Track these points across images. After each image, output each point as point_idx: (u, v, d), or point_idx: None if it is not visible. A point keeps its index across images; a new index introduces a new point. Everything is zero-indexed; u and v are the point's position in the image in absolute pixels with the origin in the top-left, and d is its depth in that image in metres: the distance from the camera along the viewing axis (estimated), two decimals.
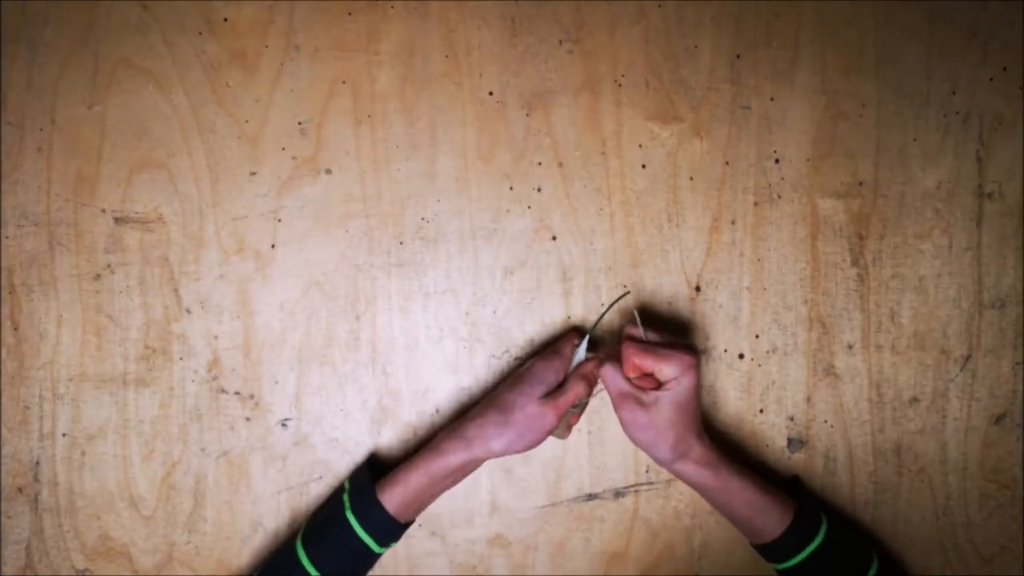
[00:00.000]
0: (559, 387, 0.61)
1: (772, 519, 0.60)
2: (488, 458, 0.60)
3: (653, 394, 0.58)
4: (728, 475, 0.60)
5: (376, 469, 0.64)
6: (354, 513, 0.59)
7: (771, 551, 0.61)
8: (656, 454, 0.59)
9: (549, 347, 0.64)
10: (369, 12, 0.65)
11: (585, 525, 0.68)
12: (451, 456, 0.59)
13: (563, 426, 0.62)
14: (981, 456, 0.69)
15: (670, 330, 0.65)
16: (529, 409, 0.59)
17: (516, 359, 0.67)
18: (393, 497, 0.59)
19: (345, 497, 0.61)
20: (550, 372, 0.61)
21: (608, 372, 0.60)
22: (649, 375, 0.59)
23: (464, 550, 0.68)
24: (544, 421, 0.59)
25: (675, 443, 0.58)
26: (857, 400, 0.68)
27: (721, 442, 0.68)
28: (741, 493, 0.60)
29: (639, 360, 0.58)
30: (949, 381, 0.68)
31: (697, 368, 0.58)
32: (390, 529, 0.60)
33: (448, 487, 0.61)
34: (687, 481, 0.61)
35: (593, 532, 0.68)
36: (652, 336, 0.60)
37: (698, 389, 0.59)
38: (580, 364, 0.62)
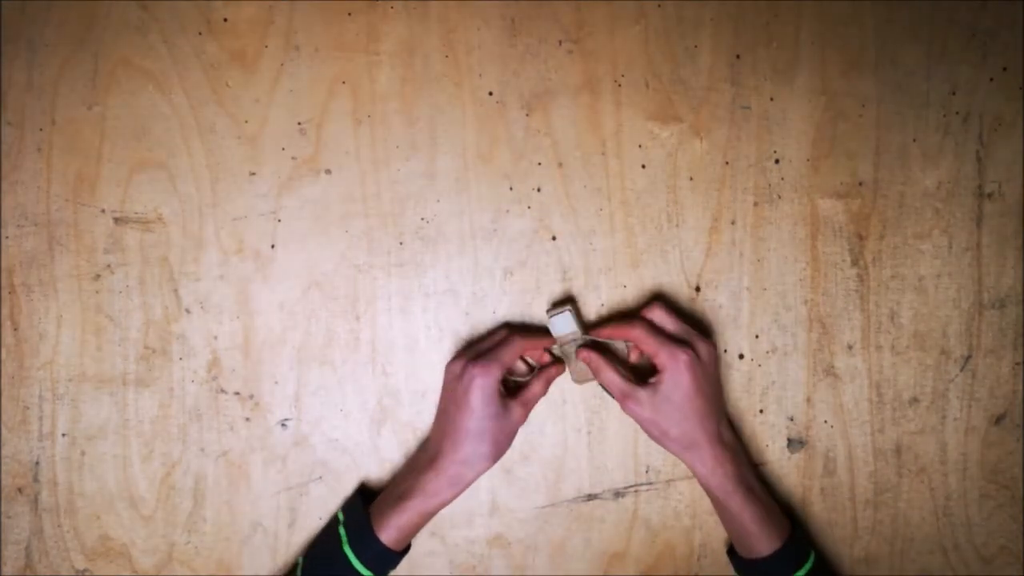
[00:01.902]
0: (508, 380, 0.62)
1: (762, 541, 0.60)
2: (479, 477, 0.60)
3: (648, 391, 0.59)
4: (734, 488, 0.59)
5: (367, 494, 0.64)
6: (352, 548, 0.59)
7: (753, 571, 0.61)
8: (667, 445, 0.60)
9: (472, 348, 0.63)
10: (369, 12, 0.65)
11: (585, 525, 0.68)
12: (444, 495, 0.59)
13: (582, 374, 0.63)
14: (981, 456, 0.69)
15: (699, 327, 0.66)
16: (498, 423, 0.59)
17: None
18: (389, 535, 0.59)
19: (341, 530, 0.61)
20: (489, 375, 0.59)
21: (604, 373, 0.61)
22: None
23: (464, 550, 0.68)
24: (515, 423, 0.60)
25: (678, 439, 0.59)
26: (857, 400, 0.68)
27: None
28: (741, 509, 0.59)
29: (643, 339, 0.59)
30: (949, 381, 0.68)
31: (693, 368, 0.58)
32: (388, 560, 0.60)
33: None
34: (696, 476, 0.61)
35: (593, 532, 0.68)
36: (668, 322, 0.61)
37: (703, 386, 0.59)
38: (545, 368, 0.64)
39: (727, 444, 0.61)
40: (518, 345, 0.61)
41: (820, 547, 0.68)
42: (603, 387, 0.63)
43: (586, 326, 0.66)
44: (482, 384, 0.58)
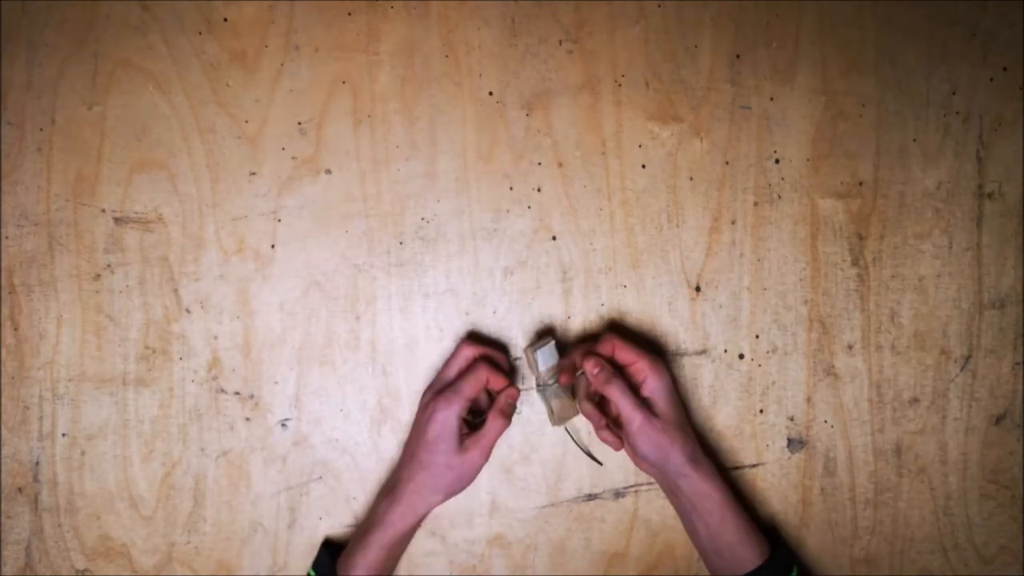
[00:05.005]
0: (475, 415, 0.62)
1: (750, 552, 0.59)
2: (431, 510, 0.61)
3: (647, 397, 0.60)
4: (731, 497, 0.60)
5: (334, 547, 0.64)
6: None
7: None
8: (673, 460, 0.58)
9: (441, 375, 0.62)
10: (369, 12, 0.65)
11: (585, 525, 0.68)
12: (398, 525, 0.60)
13: (565, 410, 0.63)
14: (981, 456, 0.69)
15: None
16: (453, 460, 0.59)
17: (515, 359, 0.67)
18: None
19: None
20: (451, 409, 0.59)
21: (615, 383, 0.59)
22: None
23: (464, 550, 0.68)
24: (473, 463, 0.60)
25: (684, 444, 0.59)
26: (857, 400, 0.68)
27: (722, 442, 0.68)
28: (736, 515, 0.60)
29: (621, 351, 0.60)
30: (949, 381, 0.68)
31: (670, 373, 0.62)
32: None
33: (403, 551, 0.63)
34: (691, 494, 0.59)
35: (593, 532, 0.68)
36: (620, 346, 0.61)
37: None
38: (505, 391, 0.61)
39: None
40: (483, 375, 0.60)
41: (807, 555, 0.68)
42: (591, 414, 0.62)
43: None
44: (442, 418, 0.59)
